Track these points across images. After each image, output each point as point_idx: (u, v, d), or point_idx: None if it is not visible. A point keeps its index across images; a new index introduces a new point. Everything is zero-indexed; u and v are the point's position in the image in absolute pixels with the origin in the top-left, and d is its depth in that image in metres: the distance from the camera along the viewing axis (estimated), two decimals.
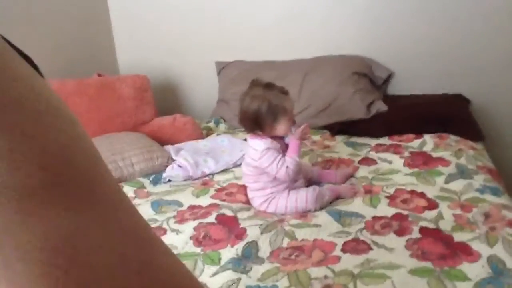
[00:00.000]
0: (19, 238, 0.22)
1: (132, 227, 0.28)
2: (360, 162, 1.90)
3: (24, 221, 0.22)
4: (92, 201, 0.25)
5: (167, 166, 1.93)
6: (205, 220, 1.54)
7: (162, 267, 0.28)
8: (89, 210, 0.24)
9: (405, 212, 1.50)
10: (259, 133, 1.56)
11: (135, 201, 1.73)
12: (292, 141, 1.60)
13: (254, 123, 1.53)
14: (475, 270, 1.19)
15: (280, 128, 1.55)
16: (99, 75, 2.34)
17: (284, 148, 1.61)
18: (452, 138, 2.02)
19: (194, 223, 1.53)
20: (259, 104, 1.51)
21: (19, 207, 0.22)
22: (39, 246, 0.22)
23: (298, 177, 1.64)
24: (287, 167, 1.54)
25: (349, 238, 1.39)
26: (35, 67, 0.26)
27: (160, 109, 2.44)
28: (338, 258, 1.30)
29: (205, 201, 1.69)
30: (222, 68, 2.61)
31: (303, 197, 1.57)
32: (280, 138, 1.62)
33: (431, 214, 1.48)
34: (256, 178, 1.61)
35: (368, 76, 2.34)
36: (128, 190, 1.81)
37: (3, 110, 0.22)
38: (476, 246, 1.29)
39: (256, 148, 1.56)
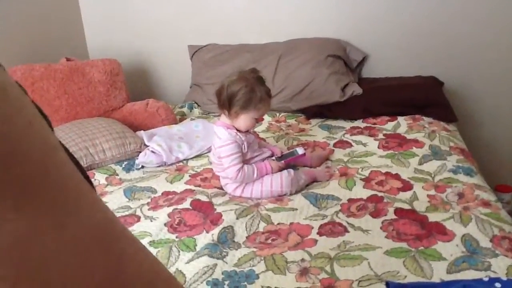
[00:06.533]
0: None
1: (97, 228, 0.24)
2: (335, 145, 1.90)
3: None
4: (45, 198, 0.21)
5: (139, 152, 1.89)
6: (179, 206, 1.51)
7: (134, 272, 0.24)
8: (40, 209, 0.21)
9: (380, 194, 1.50)
10: (225, 112, 1.54)
11: (107, 189, 1.70)
12: (274, 163, 1.59)
13: (227, 100, 1.51)
14: (450, 250, 1.21)
15: (242, 119, 1.52)
16: (68, 59, 2.26)
17: (251, 141, 1.59)
18: (426, 120, 2.04)
19: (169, 210, 1.50)
20: (242, 86, 1.49)
21: None
22: None
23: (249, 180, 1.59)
24: (240, 169, 1.52)
25: (325, 221, 1.39)
26: None
27: (132, 94, 2.38)
28: (315, 241, 1.29)
29: (179, 187, 1.66)
30: (195, 51, 2.55)
31: (278, 180, 1.56)
32: (248, 133, 1.60)
33: (406, 195, 1.49)
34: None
35: (343, 58, 2.32)
36: (100, 177, 1.76)
37: None
38: (450, 225, 1.30)
39: (220, 136, 1.55)
